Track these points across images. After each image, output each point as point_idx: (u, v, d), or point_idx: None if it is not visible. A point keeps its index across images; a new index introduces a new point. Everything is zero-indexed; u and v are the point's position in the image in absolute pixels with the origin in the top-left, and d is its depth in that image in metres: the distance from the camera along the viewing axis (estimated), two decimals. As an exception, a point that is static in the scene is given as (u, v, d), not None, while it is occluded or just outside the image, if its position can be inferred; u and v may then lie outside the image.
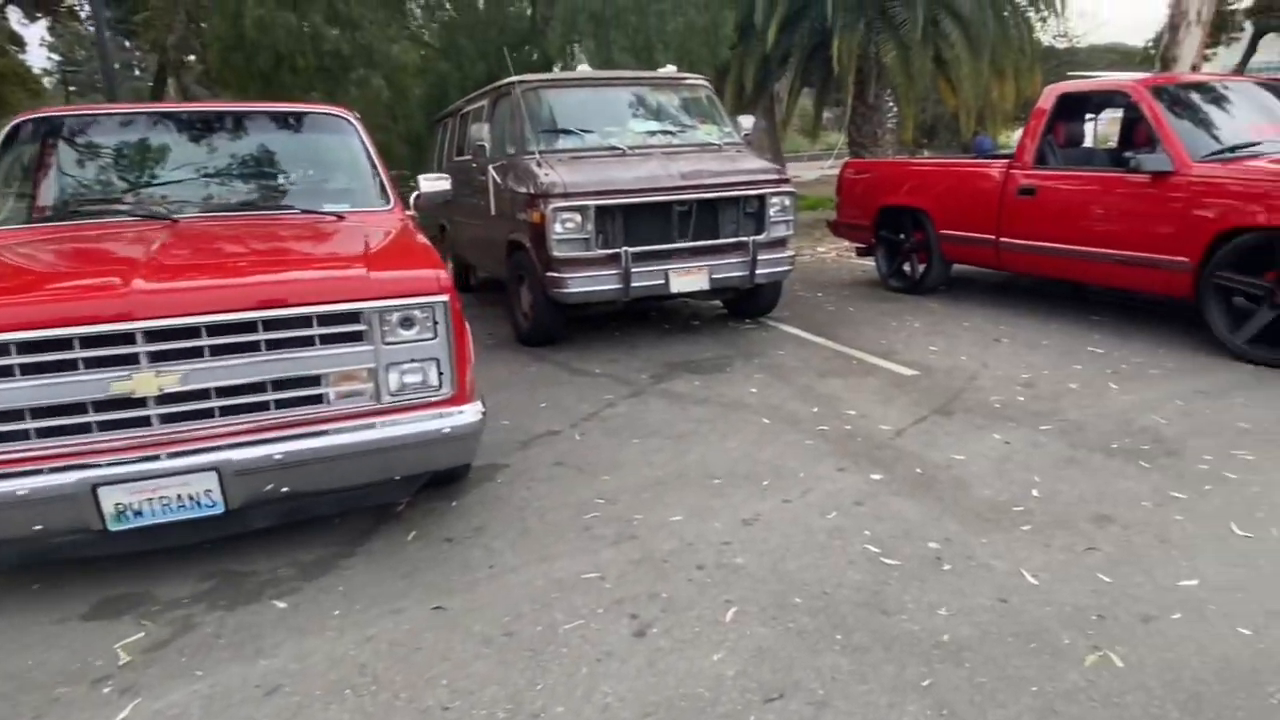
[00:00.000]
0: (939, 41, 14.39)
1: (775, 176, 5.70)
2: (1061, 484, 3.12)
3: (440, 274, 2.70)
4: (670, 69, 6.80)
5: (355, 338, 2.59)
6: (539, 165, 5.36)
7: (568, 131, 5.76)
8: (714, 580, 2.50)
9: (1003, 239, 6.04)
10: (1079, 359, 4.84)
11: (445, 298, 2.66)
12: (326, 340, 2.57)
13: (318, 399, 2.60)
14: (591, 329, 6.21)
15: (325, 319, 2.55)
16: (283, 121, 4.20)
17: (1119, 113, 6.23)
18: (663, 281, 5.39)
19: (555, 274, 5.26)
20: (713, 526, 2.87)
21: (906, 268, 7.20)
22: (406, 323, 2.63)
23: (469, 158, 6.62)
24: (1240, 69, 22.38)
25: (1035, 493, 3.05)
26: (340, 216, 3.60)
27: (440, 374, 2.69)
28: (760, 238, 5.61)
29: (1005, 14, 15.05)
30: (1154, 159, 4.93)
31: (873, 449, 3.57)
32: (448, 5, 11.72)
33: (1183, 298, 4.91)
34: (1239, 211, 4.51)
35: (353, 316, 2.57)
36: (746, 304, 6.34)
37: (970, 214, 6.31)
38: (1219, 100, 5.34)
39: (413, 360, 2.65)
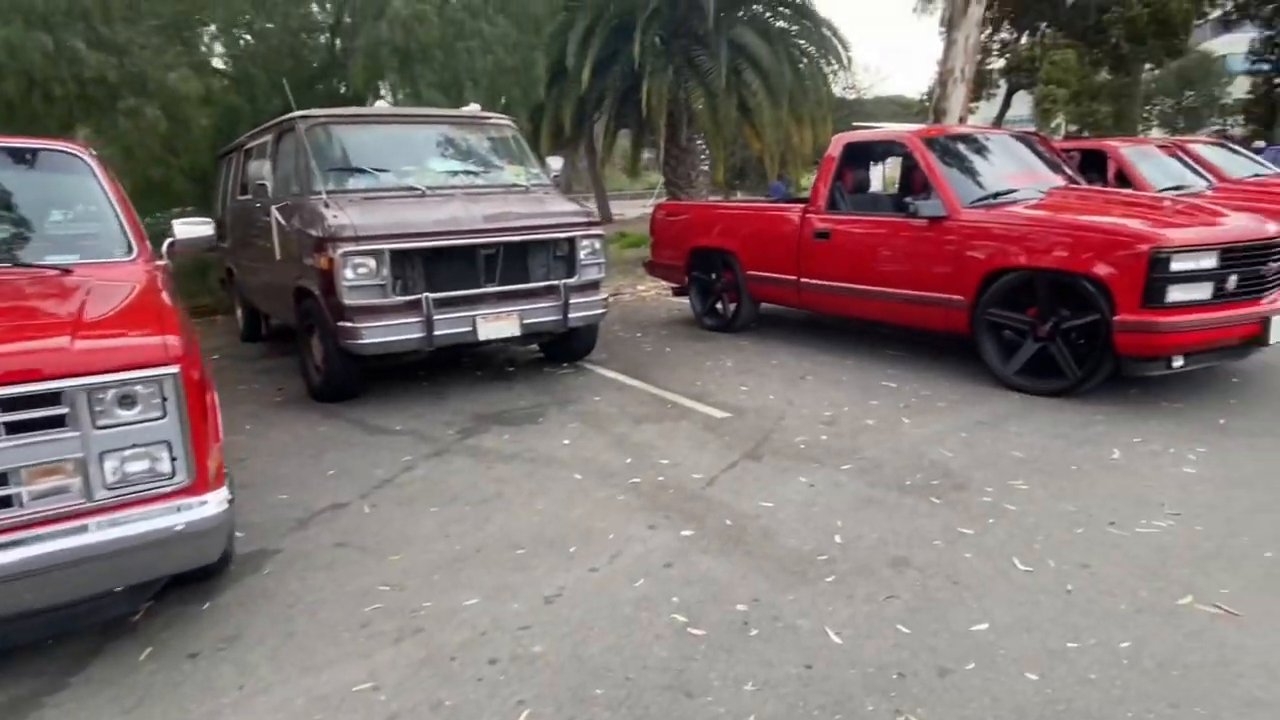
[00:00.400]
0: (742, 90, 15.19)
1: (585, 219, 5.60)
2: (862, 526, 3.15)
3: (169, 340, 2.28)
4: (474, 107, 6.57)
5: (55, 423, 2.12)
6: (327, 206, 4.93)
7: (360, 171, 5.37)
8: (507, 676, 2.24)
9: (803, 279, 6.28)
10: (876, 394, 5.05)
11: (175, 369, 2.24)
12: (15, 429, 2.08)
13: (6, 501, 2.10)
14: (396, 379, 5.79)
15: (11, 403, 2.06)
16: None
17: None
18: (470, 328, 5.10)
19: (348, 323, 4.83)
20: (511, 608, 2.60)
21: (719, 307, 7.33)
22: (126, 401, 2.19)
23: (252, 197, 6.03)
24: (998, 121, 25.47)
25: (838, 538, 3.05)
26: (66, 270, 3.04)
27: (173, 459, 2.26)
28: (572, 281, 5.47)
29: (801, 66, 16.18)
30: (929, 205, 5.29)
31: (684, 501, 3.47)
32: (237, 33, 10.85)
33: (961, 333, 5.27)
34: (1003, 253, 4.91)
35: (50, 397, 2.10)
36: (563, 347, 6.17)
37: (773, 256, 6.53)
38: (982, 150, 5.86)
39: (135, 446, 2.21)
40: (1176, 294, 4.32)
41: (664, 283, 8.84)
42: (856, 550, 2.95)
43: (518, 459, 4.08)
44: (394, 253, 4.84)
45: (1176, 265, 4.28)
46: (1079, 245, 4.56)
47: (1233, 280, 4.41)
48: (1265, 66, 25.69)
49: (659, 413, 4.83)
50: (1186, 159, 8.39)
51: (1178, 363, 4.46)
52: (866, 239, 5.79)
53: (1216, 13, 26.14)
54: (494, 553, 3.02)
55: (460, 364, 6.30)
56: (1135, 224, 4.54)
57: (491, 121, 6.23)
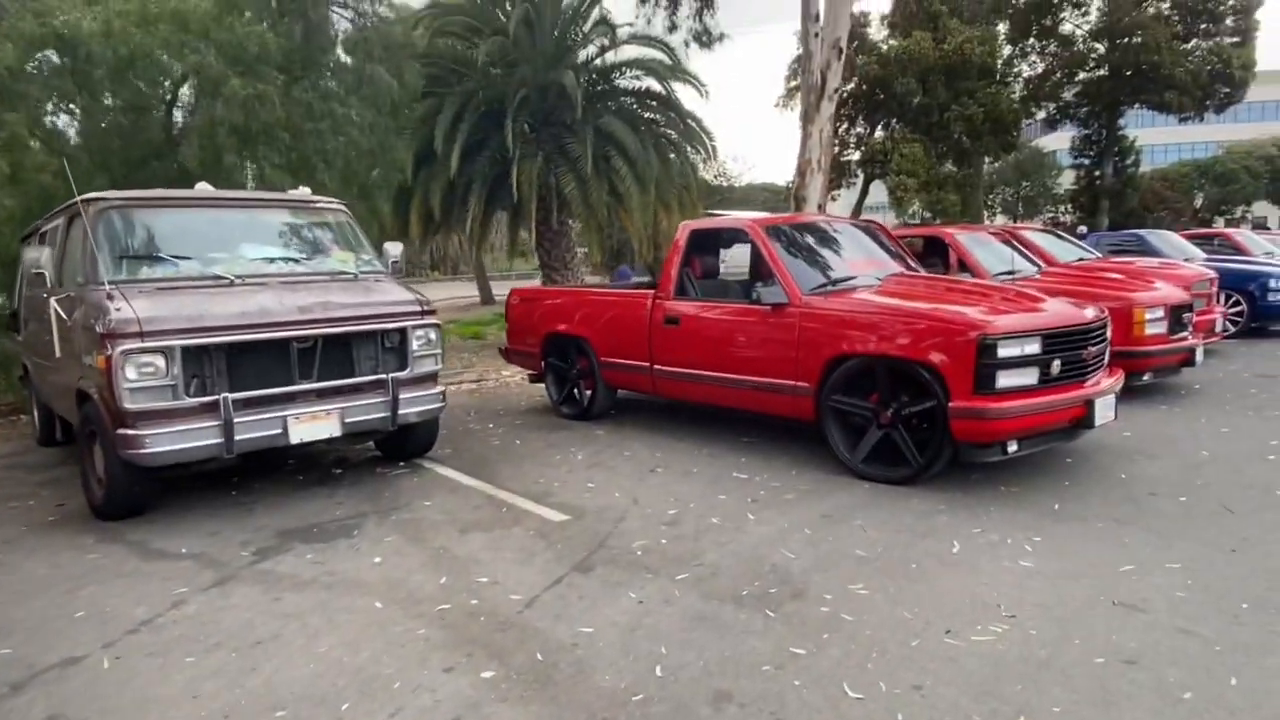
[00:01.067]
0: (612, 176, 15.41)
1: (417, 308, 5.23)
2: (688, 653, 2.83)
3: None
4: (304, 191, 6.14)
5: None
6: (111, 298, 4.36)
7: (157, 258, 4.84)
8: None
9: (656, 366, 6.10)
10: (724, 487, 4.83)
11: None
12: None
13: None
14: (200, 488, 5.13)
15: None
16: None
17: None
18: (279, 430, 4.58)
19: (129, 431, 4.22)
20: (241, 801, 2.10)
21: (576, 394, 7.04)
22: None
23: (27, 287, 5.36)
24: (858, 208, 27.07)
25: (659, 670, 2.71)
26: None
27: None
28: (403, 374, 5.06)
29: (671, 156, 16.66)
30: (771, 291, 5.25)
31: (495, 631, 3.05)
32: (70, 106, 10.02)
33: (809, 420, 5.17)
34: (845, 339, 4.88)
35: None
36: (399, 445, 5.70)
37: (626, 342, 6.34)
38: (824, 238, 5.93)
39: None
40: (1005, 380, 4.35)
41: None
42: (677, 684, 2.62)
43: (314, 585, 3.55)
44: (187, 349, 4.30)
45: (1003, 351, 4.32)
46: (914, 332, 4.57)
47: (1056, 365, 4.50)
48: (1085, 161, 28.65)
49: (492, 518, 4.42)
50: (1018, 245, 8.91)
51: (1012, 448, 4.46)
52: (714, 325, 5.69)
53: (1042, 113, 29.12)
54: (246, 718, 2.49)
55: (283, 467, 5.69)
56: (965, 311, 4.59)
57: (320, 205, 5.82)
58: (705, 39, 20.34)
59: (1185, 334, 7.29)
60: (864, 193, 27.38)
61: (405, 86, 10.44)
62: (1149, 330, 6.83)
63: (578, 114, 14.35)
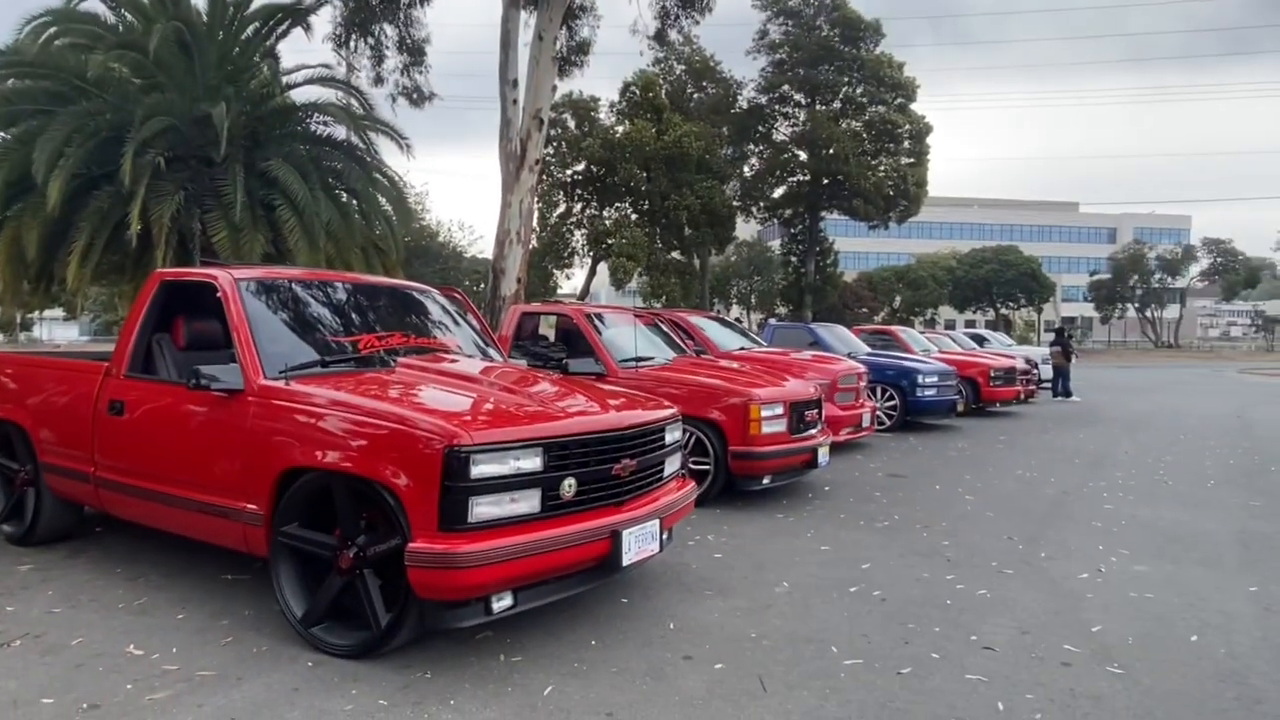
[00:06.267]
0: (279, 226, 13.26)
1: None
2: None
3: None
4: None
5: None
6: None
7: None
8: None
9: (98, 472, 4.23)
10: (80, 676, 3.06)
11: None
12: None
13: None
14: None
15: None
16: None
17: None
18: None
19: None
20: None
21: (28, 505, 4.90)
22: None
23: None
24: (586, 287, 26.82)
25: None
26: None
27: None
28: None
29: (355, 211, 14.85)
30: (225, 371, 3.66)
31: None
32: None
33: (264, 559, 3.59)
34: (298, 446, 3.40)
35: None
36: None
37: (68, 435, 4.43)
38: (327, 302, 4.41)
39: None
40: (486, 508, 3.07)
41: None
42: None
43: None
44: None
45: (481, 468, 3.04)
46: (371, 438, 3.20)
47: (569, 485, 3.32)
48: (793, 259, 30.98)
49: None
50: (665, 328, 8.22)
51: (503, 603, 3.18)
52: (157, 417, 3.98)
53: (755, 211, 31.14)
54: None
55: None
56: (442, 410, 3.32)
57: None
58: (415, 97, 19.10)
59: (812, 432, 6.77)
60: (592, 272, 27.21)
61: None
62: (766, 429, 6.15)
63: (222, 150, 12.17)
